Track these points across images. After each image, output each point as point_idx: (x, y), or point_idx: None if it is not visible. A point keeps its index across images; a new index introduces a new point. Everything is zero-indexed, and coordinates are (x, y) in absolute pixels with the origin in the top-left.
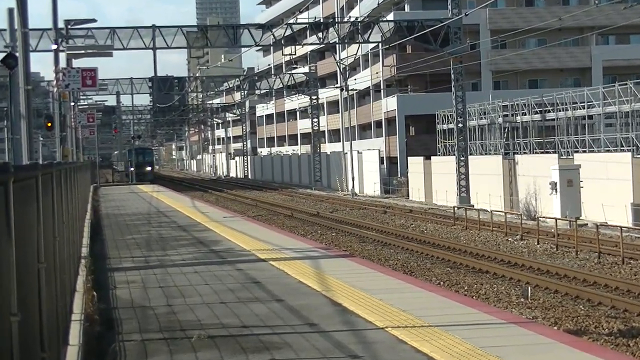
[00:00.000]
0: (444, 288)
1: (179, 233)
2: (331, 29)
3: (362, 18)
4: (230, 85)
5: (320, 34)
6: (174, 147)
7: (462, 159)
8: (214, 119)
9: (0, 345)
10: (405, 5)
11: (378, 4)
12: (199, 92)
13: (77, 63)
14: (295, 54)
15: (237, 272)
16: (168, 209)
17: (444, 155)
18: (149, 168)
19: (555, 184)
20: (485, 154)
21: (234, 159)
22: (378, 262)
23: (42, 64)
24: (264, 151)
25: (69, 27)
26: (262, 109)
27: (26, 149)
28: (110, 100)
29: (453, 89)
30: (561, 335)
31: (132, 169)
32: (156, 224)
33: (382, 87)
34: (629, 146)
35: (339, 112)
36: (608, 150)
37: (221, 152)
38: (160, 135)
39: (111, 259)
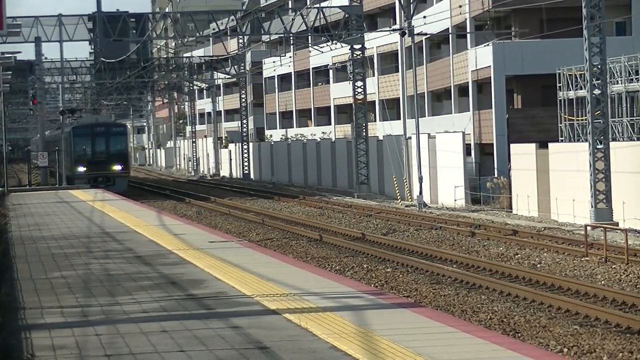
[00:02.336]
0: (570, 359)
1: (138, 268)
2: None
3: None
4: (222, 28)
5: None
6: (129, 128)
7: (599, 147)
8: (195, 83)
9: None
10: None
11: None
12: (171, 38)
13: None
14: None
15: (231, 332)
16: (119, 228)
17: (569, 140)
18: (118, 167)
19: None
20: (639, 138)
21: (226, 147)
22: (461, 315)
23: None
24: (275, 134)
25: None
26: (273, 67)
27: None
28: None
29: (585, 32)
30: None
31: (80, 168)
32: (100, 254)
33: (468, 30)
34: None
35: (397, 72)
36: None
37: (206, 137)
38: (108, 108)
39: (27, 310)
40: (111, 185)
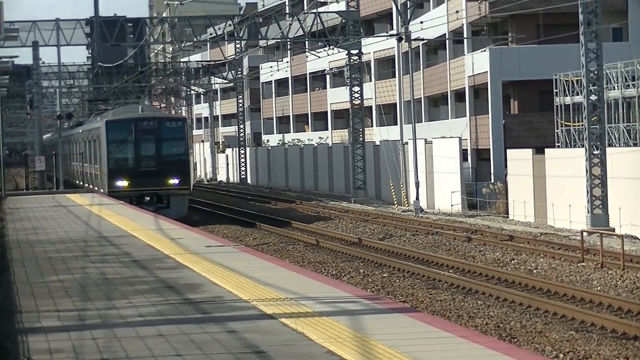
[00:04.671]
0: None
1: (135, 272)
2: None
3: None
4: (219, 33)
5: None
6: (190, 122)
7: (595, 152)
8: (192, 88)
9: None
10: None
11: None
12: (168, 42)
13: None
14: None
15: (227, 336)
16: (116, 232)
17: (565, 146)
18: (175, 181)
19: None
20: (635, 144)
21: (223, 151)
22: (457, 320)
23: None
24: (272, 139)
25: None
26: (271, 72)
27: None
28: (24, 56)
29: (581, 38)
30: None
31: (118, 182)
32: (97, 258)
33: (465, 36)
34: None
35: (394, 77)
36: None
37: (203, 142)
38: (95, 116)
39: (23, 314)
40: (164, 208)
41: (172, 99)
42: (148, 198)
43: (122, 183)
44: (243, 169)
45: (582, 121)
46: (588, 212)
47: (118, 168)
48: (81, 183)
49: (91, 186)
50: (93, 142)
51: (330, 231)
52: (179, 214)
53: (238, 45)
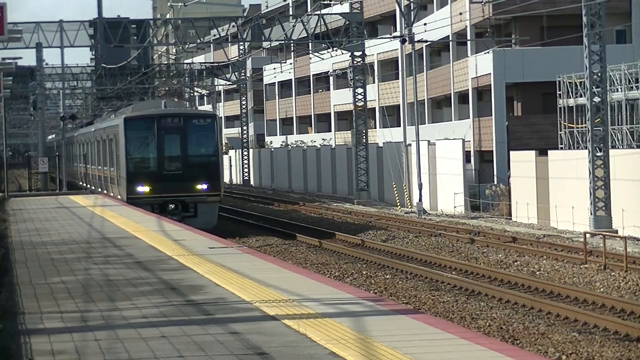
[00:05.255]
0: None
1: (138, 274)
2: None
3: None
4: (222, 34)
5: None
6: (220, 118)
7: (598, 154)
8: (195, 89)
9: None
10: None
11: None
12: (171, 44)
13: None
14: None
15: (230, 338)
16: (119, 233)
17: (569, 148)
18: (203, 186)
19: None
20: (638, 146)
21: (227, 153)
22: (460, 321)
23: None
24: (275, 141)
25: None
26: (274, 73)
27: None
28: (28, 58)
29: (585, 40)
30: None
31: (139, 188)
32: (100, 259)
33: (469, 38)
34: None
35: (397, 79)
36: None
37: None
38: (108, 114)
39: (26, 315)
40: (191, 217)
41: (176, 100)
42: (172, 206)
43: (143, 188)
44: (246, 170)
45: (586, 123)
46: (591, 213)
47: (138, 171)
48: (92, 187)
49: (105, 191)
50: (109, 142)
51: (334, 233)
52: (207, 225)
53: (241, 47)
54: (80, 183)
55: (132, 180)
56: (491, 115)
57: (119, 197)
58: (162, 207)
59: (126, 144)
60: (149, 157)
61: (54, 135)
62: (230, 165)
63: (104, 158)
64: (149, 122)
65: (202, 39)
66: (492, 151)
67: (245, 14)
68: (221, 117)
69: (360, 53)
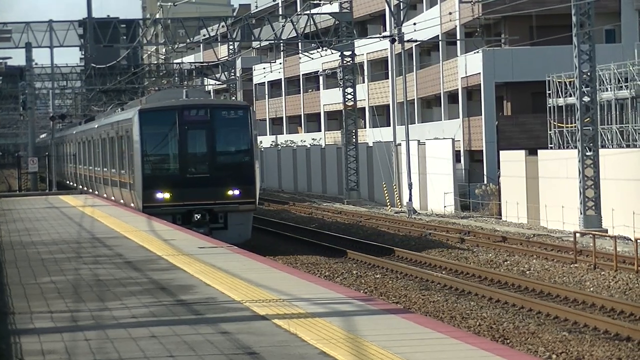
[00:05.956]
0: None
1: (127, 273)
2: None
3: None
4: (212, 34)
5: None
6: (253, 111)
7: (588, 154)
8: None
9: None
10: None
11: None
12: (161, 44)
13: None
14: None
15: (220, 337)
16: (109, 233)
17: (558, 147)
18: (235, 192)
19: None
20: (628, 145)
21: None
22: (450, 321)
23: None
24: (265, 141)
25: None
26: (264, 73)
27: None
28: (17, 58)
29: (574, 39)
30: None
31: (157, 195)
32: (90, 259)
33: (458, 37)
34: None
35: (387, 78)
36: None
37: None
38: (98, 113)
39: (16, 315)
40: (221, 229)
41: (198, 88)
42: (198, 216)
43: (162, 195)
44: None
45: (575, 122)
46: (581, 213)
47: (156, 174)
48: (96, 193)
49: (113, 198)
50: (118, 139)
51: (324, 232)
52: (240, 238)
53: (231, 47)
54: (79, 187)
55: (149, 185)
56: (481, 115)
57: (132, 205)
58: (185, 218)
59: (141, 142)
60: (169, 156)
61: (45, 135)
62: None
63: (112, 159)
64: (168, 115)
65: (191, 39)
66: (482, 151)
67: (234, 14)
68: None
69: (349, 53)
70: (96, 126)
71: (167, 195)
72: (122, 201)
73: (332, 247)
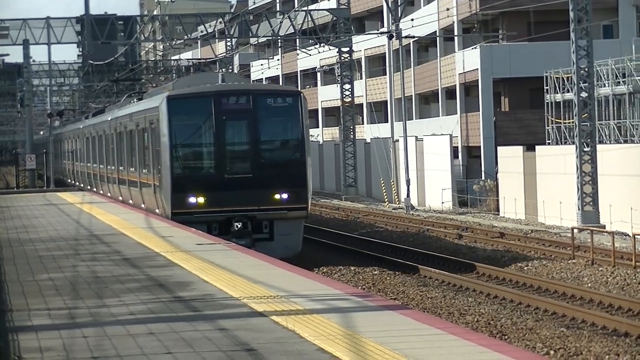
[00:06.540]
0: None
1: (125, 270)
2: None
3: None
4: (210, 30)
5: None
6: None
7: (586, 149)
8: None
9: None
10: None
11: None
12: (159, 40)
13: None
14: None
15: (218, 334)
16: (107, 230)
17: (556, 143)
18: (283, 195)
19: None
20: (625, 141)
21: None
22: (448, 317)
23: None
24: None
25: None
26: (261, 69)
27: None
28: (15, 54)
29: (572, 35)
30: None
31: (190, 199)
32: (88, 256)
33: (456, 33)
34: None
35: (385, 75)
36: None
37: None
38: (128, 98)
39: (14, 312)
40: (265, 241)
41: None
42: (239, 225)
43: (196, 199)
44: None
45: (573, 118)
46: (578, 209)
47: (188, 174)
48: (109, 195)
49: (131, 201)
50: (139, 133)
51: (321, 228)
52: (288, 251)
53: (229, 43)
54: (87, 187)
55: (180, 188)
56: (478, 111)
57: (157, 210)
58: (223, 227)
59: (170, 135)
60: (203, 153)
61: (44, 132)
62: None
63: (130, 155)
64: (203, 103)
65: (189, 35)
66: (480, 147)
67: (232, 10)
68: None
69: (347, 49)
70: (109, 118)
71: (201, 200)
72: (143, 206)
73: (331, 243)
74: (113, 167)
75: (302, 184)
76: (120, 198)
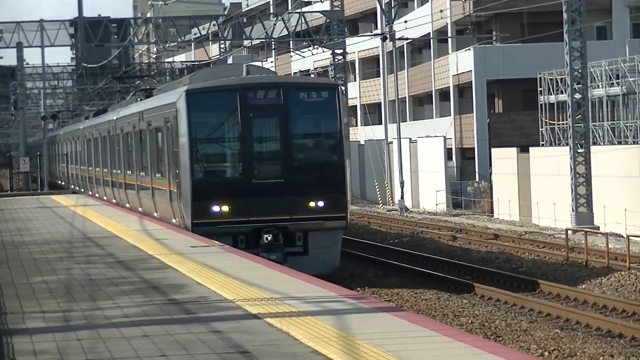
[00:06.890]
0: None
1: (119, 273)
2: None
3: None
4: (203, 32)
5: None
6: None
7: (580, 151)
8: None
9: None
10: None
11: None
12: (152, 43)
13: None
14: None
15: (213, 336)
16: (101, 233)
17: (550, 145)
18: (319, 203)
19: None
20: (619, 142)
21: None
22: (442, 319)
23: None
24: None
25: None
26: None
27: None
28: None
29: (566, 36)
30: None
31: (213, 207)
32: (82, 259)
33: (449, 35)
34: None
35: (379, 76)
36: None
37: None
38: (133, 97)
39: (8, 315)
40: (299, 255)
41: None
42: (269, 237)
43: (219, 208)
44: None
45: (567, 120)
46: (573, 210)
47: (211, 179)
48: (115, 201)
49: (140, 209)
50: (151, 133)
51: None
52: (325, 266)
53: (222, 46)
54: (87, 193)
55: (201, 195)
56: (472, 113)
57: (174, 220)
58: (250, 239)
59: (190, 134)
60: (227, 155)
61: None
62: None
63: (140, 158)
64: (227, 98)
65: (183, 38)
66: (474, 148)
67: (225, 13)
68: None
69: (341, 51)
70: (114, 118)
71: (225, 208)
72: (156, 215)
73: None
74: (119, 171)
75: (341, 190)
76: (128, 205)
